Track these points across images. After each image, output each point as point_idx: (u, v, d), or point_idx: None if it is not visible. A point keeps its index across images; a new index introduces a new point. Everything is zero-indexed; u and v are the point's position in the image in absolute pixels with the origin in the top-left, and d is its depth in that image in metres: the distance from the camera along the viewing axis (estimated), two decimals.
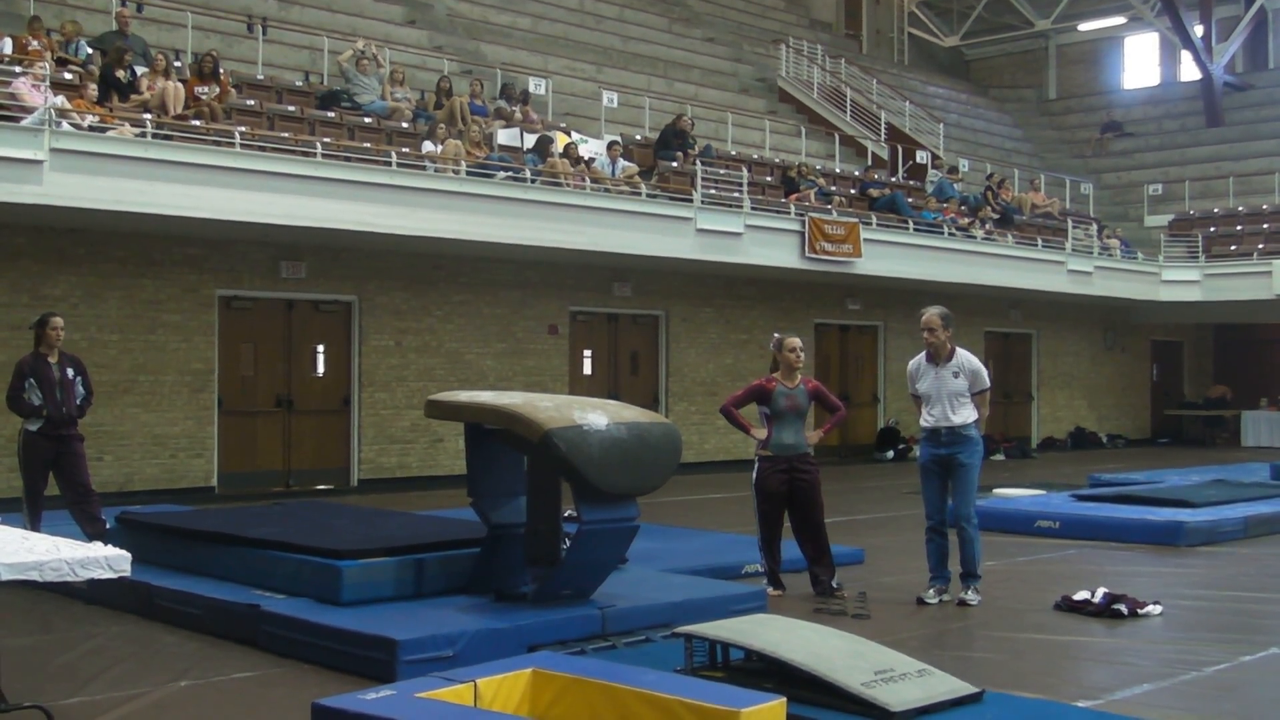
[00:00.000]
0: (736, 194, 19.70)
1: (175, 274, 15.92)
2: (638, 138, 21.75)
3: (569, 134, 19.86)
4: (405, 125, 17.85)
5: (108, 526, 9.85)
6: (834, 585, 9.51)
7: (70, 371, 10.05)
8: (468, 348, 18.62)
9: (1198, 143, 34.20)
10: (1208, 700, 6.77)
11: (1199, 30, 33.73)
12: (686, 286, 21.26)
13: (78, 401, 10.09)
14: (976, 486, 9.43)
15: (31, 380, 9.85)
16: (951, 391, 9.26)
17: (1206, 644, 8.04)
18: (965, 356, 9.37)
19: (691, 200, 18.88)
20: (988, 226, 24.38)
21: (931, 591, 9.42)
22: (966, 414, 9.26)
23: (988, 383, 9.37)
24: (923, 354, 9.49)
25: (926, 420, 9.36)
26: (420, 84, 19.99)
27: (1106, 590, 9.11)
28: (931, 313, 9.38)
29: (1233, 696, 6.90)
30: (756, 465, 9.57)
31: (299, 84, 18.52)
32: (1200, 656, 7.66)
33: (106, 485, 14.43)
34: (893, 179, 25.83)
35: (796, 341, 9.56)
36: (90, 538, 9.28)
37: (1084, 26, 38.43)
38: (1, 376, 13.94)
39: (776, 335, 9.77)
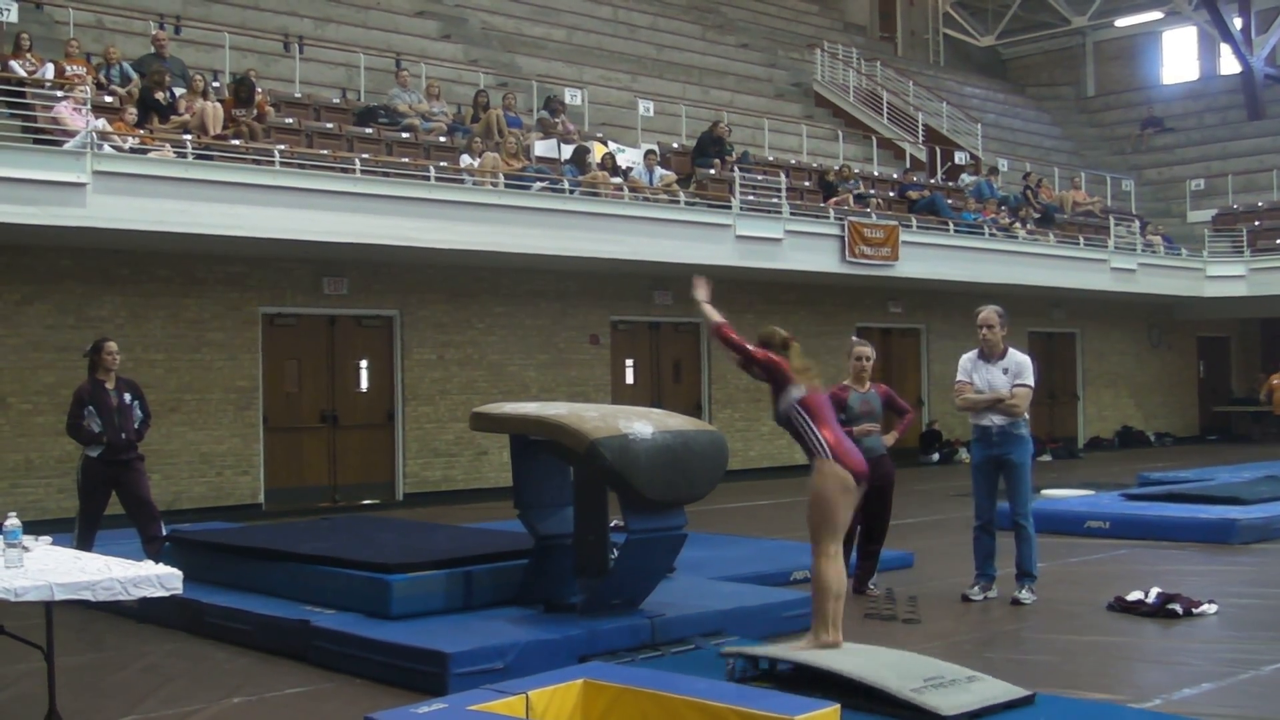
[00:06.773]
0: (775, 199, 19.66)
1: (218, 292, 16.04)
2: (674, 146, 21.72)
3: (605, 144, 19.88)
4: (443, 139, 17.92)
5: (164, 546, 9.92)
6: (870, 585, 9.72)
7: (128, 396, 10.06)
8: (510, 359, 18.65)
9: (1239, 136, 33.81)
10: (1266, 700, 6.68)
11: (1238, 23, 33.35)
12: (727, 293, 21.05)
13: (136, 426, 10.14)
14: (1030, 485, 9.41)
15: (91, 408, 9.88)
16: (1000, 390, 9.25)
17: (1264, 643, 7.94)
18: (1015, 355, 9.37)
19: (730, 207, 18.86)
20: (1029, 226, 24.22)
21: (976, 589, 9.51)
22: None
23: (1031, 381, 9.28)
24: (976, 350, 9.48)
25: (978, 419, 9.39)
26: (456, 97, 20.07)
27: (1160, 590, 9.02)
28: (989, 310, 9.43)
29: None
30: None
31: (336, 101, 18.63)
32: (1258, 656, 7.56)
33: (155, 504, 14.50)
34: (931, 181, 25.71)
35: (864, 350, 9.75)
36: (149, 556, 9.39)
37: (1121, 22, 38.03)
38: (52, 398, 14.26)
39: (853, 340, 9.99)
